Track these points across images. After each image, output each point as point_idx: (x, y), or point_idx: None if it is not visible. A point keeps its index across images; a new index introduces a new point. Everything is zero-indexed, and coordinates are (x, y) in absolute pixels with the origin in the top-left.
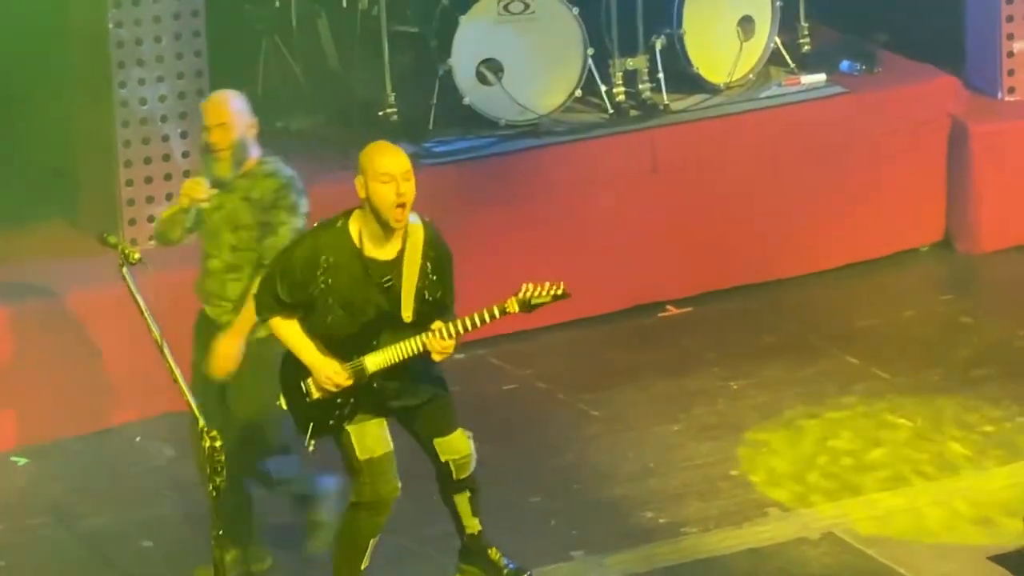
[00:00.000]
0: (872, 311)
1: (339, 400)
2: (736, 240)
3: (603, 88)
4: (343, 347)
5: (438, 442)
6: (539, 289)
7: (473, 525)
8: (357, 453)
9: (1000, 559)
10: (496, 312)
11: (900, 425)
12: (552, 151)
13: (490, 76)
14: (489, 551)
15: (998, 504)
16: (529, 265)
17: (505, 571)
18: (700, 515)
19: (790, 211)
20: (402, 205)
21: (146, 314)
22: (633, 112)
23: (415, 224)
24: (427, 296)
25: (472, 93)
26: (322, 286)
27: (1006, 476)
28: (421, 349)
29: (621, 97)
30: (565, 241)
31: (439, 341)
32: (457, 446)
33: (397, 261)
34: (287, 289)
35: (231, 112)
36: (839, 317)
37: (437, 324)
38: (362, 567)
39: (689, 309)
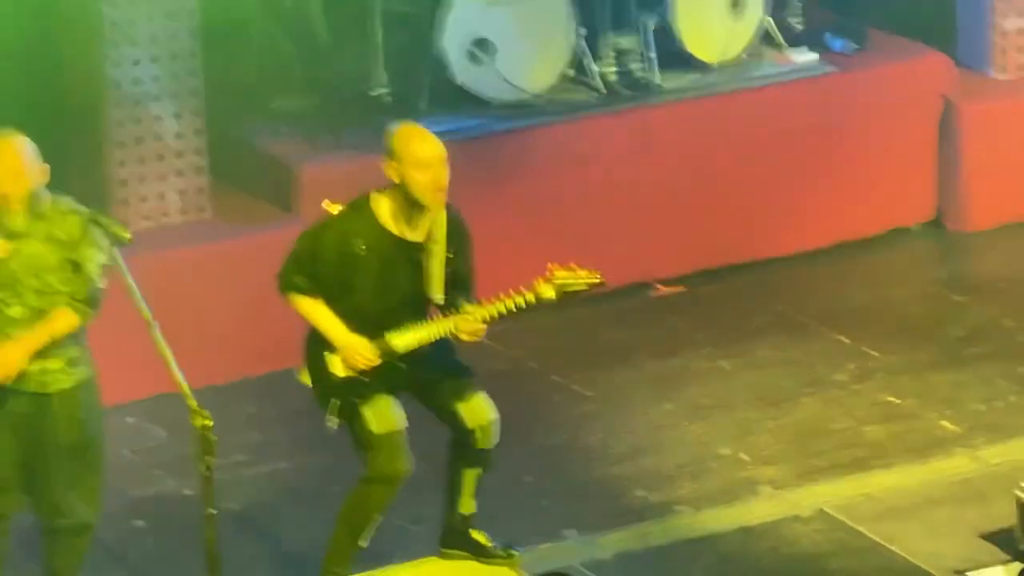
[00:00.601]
0: (863, 290)
1: (364, 378)
2: (727, 219)
3: (595, 68)
4: (368, 325)
5: (462, 407)
6: (572, 275)
7: (469, 507)
8: (373, 427)
9: (991, 537)
10: (531, 299)
11: (891, 403)
12: (544, 131)
13: (482, 56)
14: (472, 533)
15: (989, 482)
16: (520, 244)
17: (492, 548)
18: (692, 494)
19: (781, 190)
20: (441, 189)
21: (137, 295)
22: (625, 91)
23: None
24: (452, 277)
25: (464, 73)
26: (357, 270)
27: (997, 454)
28: (452, 331)
29: (613, 76)
30: (556, 220)
31: (472, 324)
32: (482, 411)
33: (426, 241)
34: (324, 272)
35: (24, 163)
36: (830, 296)
37: (469, 308)
38: (361, 544)
39: (680, 288)
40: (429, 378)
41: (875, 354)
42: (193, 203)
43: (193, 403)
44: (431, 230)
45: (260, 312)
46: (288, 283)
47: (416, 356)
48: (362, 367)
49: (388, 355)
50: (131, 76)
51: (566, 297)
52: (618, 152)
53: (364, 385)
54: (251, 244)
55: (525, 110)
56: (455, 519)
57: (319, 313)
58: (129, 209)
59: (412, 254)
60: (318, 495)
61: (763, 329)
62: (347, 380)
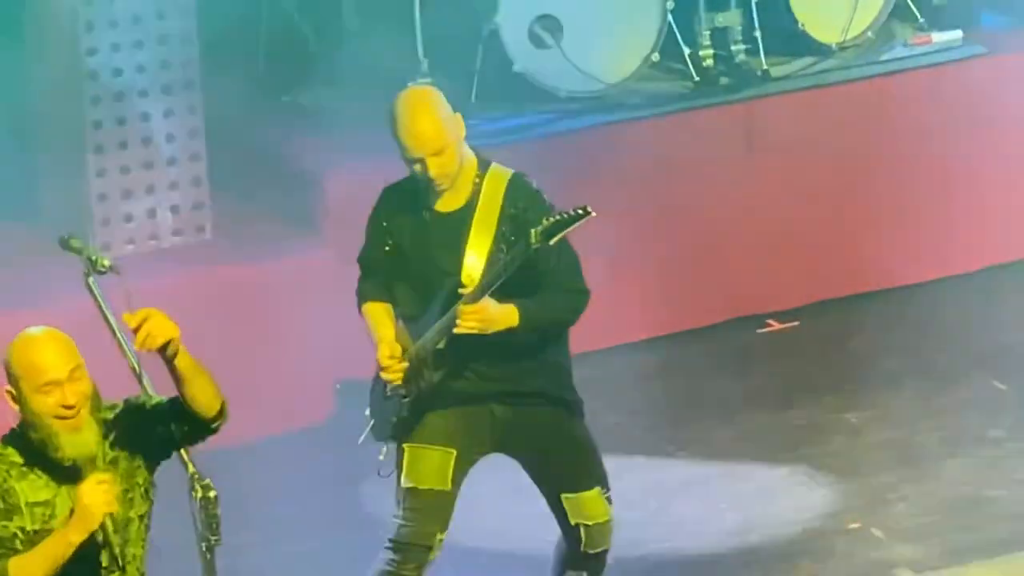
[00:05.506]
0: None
1: (401, 389)
2: (852, 237)
3: (687, 50)
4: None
5: (567, 498)
6: (554, 217)
7: None
8: (402, 479)
9: None
10: (518, 254)
11: None
12: (624, 128)
13: (546, 37)
14: None
15: None
16: (596, 267)
17: None
18: None
19: (919, 200)
20: (439, 176)
21: (119, 335)
22: (724, 80)
23: (498, 170)
24: (506, 266)
25: (524, 58)
26: (389, 242)
27: None
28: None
29: (709, 61)
30: (640, 239)
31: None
32: (592, 507)
33: (463, 212)
34: (368, 254)
35: None
36: (982, 331)
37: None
38: None
39: (795, 324)
40: (537, 450)
41: None
42: (190, 221)
43: (192, 468)
44: (477, 198)
45: (278, 355)
46: (358, 287)
47: (483, 369)
48: (384, 374)
49: (416, 359)
50: (111, 66)
51: (551, 237)
52: (716, 155)
53: (429, 426)
54: (263, 272)
55: (600, 103)
56: None
57: (373, 315)
58: (111, 230)
59: (446, 228)
60: None
61: (898, 374)
62: (408, 416)
